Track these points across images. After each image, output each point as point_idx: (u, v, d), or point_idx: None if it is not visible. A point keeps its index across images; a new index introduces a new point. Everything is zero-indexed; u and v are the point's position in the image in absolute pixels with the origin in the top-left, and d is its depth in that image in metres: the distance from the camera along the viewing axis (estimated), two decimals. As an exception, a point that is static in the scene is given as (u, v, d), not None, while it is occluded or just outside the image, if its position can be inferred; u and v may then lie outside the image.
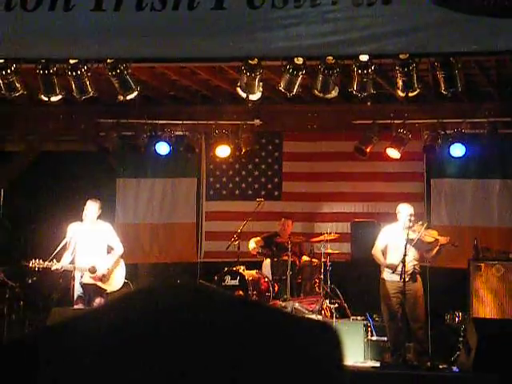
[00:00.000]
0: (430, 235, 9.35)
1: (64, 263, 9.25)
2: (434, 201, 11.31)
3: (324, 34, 7.35)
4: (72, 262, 9.34)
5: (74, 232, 9.35)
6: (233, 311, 1.09)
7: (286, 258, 10.55)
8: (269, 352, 1.03)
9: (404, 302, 9.15)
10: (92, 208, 9.49)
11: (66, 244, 9.25)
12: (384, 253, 9.37)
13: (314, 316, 9.39)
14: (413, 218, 9.28)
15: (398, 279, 9.07)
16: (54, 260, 9.23)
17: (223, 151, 11.33)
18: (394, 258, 9.21)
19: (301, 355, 1.05)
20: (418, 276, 9.27)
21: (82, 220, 9.48)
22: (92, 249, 9.44)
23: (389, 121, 10.74)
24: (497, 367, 7.96)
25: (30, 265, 9.18)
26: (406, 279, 9.05)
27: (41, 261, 9.19)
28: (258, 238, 11.06)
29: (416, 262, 9.29)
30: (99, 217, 9.62)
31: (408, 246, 9.06)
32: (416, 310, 9.22)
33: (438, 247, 9.27)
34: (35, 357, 1.08)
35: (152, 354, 1.03)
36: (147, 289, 1.17)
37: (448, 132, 10.52)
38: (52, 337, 1.12)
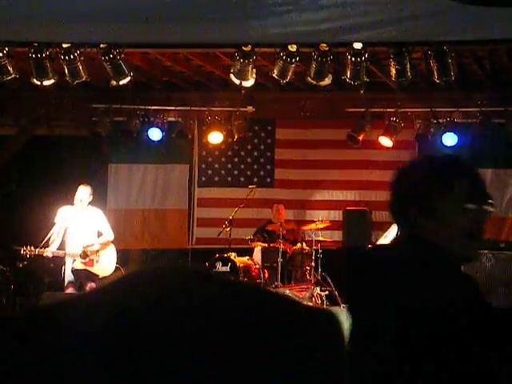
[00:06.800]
0: None
1: (54, 248, 9.23)
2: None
3: (318, 21, 7.32)
4: (62, 247, 9.32)
5: (65, 216, 9.34)
6: (238, 298, 1.05)
7: (277, 245, 10.56)
8: (276, 340, 1.01)
9: None
10: (84, 193, 9.48)
11: (55, 228, 9.22)
12: None
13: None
14: None
15: None
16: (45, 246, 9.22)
17: (216, 138, 11.31)
18: None
19: (309, 344, 1.03)
20: None
21: (72, 204, 9.46)
22: (82, 234, 9.43)
23: (382, 109, 10.75)
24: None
25: (22, 252, 9.15)
26: None
27: (32, 248, 9.16)
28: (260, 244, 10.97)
29: None
30: (91, 202, 9.61)
31: None
32: None
33: None
34: (17, 339, 1.01)
35: (156, 346, 0.98)
36: (146, 272, 1.09)
37: (440, 121, 10.53)
38: (37, 320, 1.05)
